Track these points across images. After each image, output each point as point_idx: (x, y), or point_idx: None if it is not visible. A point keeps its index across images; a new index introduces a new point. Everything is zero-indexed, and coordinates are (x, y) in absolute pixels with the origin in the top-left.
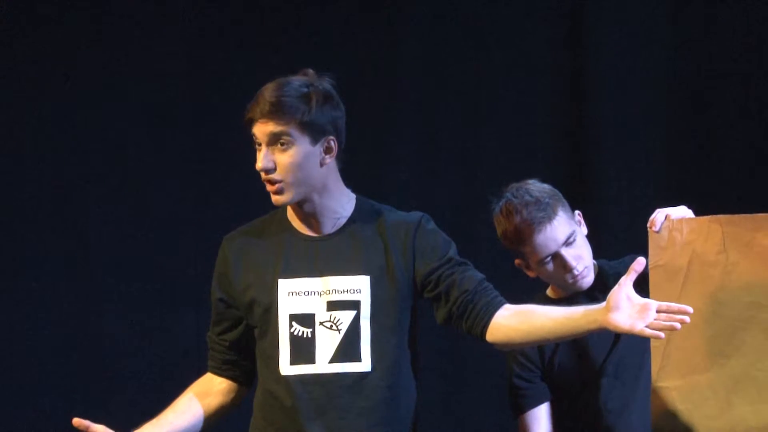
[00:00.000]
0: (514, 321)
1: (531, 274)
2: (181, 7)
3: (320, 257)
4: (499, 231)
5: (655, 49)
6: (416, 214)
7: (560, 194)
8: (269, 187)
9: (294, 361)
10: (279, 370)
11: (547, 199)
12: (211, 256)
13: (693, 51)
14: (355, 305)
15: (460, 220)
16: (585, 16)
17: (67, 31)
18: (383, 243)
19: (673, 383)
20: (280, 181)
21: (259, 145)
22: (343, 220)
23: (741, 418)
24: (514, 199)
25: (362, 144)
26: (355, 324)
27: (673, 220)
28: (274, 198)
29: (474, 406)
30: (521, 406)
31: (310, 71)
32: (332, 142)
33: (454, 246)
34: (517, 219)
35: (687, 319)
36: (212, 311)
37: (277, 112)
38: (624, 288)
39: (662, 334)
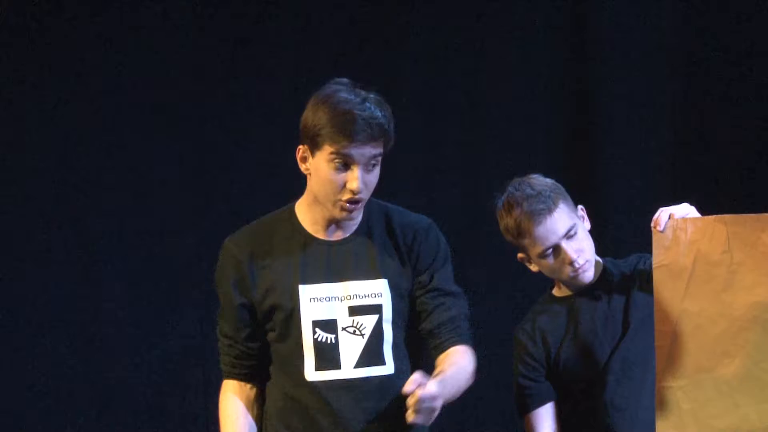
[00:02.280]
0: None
1: (533, 268)
2: (182, 7)
3: (337, 262)
4: (501, 225)
5: (659, 46)
6: (423, 220)
7: (563, 188)
8: (350, 207)
9: (319, 367)
10: (304, 376)
11: (548, 192)
12: (213, 256)
13: (697, 47)
14: (377, 309)
15: (462, 221)
16: (587, 13)
17: (69, 29)
18: (394, 245)
19: (677, 383)
20: (362, 200)
21: (344, 164)
22: (356, 224)
23: (746, 418)
24: (515, 192)
25: None
26: (378, 328)
27: (677, 220)
28: (349, 215)
29: (480, 404)
30: (527, 405)
31: (346, 80)
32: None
33: (449, 264)
34: (518, 211)
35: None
36: (231, 317)
37: (382, 135)
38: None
39: None
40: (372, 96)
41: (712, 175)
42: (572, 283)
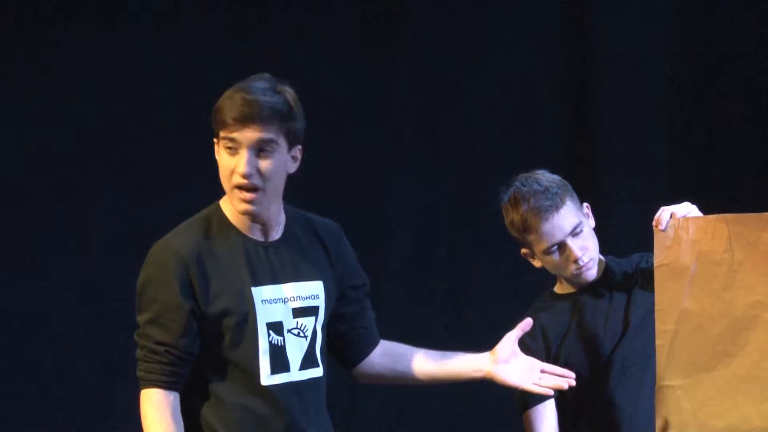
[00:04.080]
0: (388, 361)
1: (536, 264)
2: (183, 7)
3: (277, 264)
4: (506, 220)
5: (659, 45)
6: (335, 223)
7: (569, 185)
8: (245, 195)
9: (273, 370)
10: (259, 381)
11: (555, 189)
12: None
13: (697, 46)
14: (315, 311)
15: (462, 219)
16: (587, 14)
17: (69, 28)
18: (322, 248)
19: (677, 382)
20: (259, 188)
21: (233, 148)
22: (282, 226)
23: (745, 418)
24: (522, 188)
25: (364, 145)
26: (315, 329)
27: (678, 219)
28: (245, 206)
29: (478, 401)
30: (526, 402)
31: (267, 75)
32: (298, 152)
33: None
34: (525, 207)
35: (572, 381)
36: (173, 323)
37: (270, 117)
38: (510, 344)
39: (552, 391)
40: (279, 86)
41: (713, 174)
42: (575, 280)
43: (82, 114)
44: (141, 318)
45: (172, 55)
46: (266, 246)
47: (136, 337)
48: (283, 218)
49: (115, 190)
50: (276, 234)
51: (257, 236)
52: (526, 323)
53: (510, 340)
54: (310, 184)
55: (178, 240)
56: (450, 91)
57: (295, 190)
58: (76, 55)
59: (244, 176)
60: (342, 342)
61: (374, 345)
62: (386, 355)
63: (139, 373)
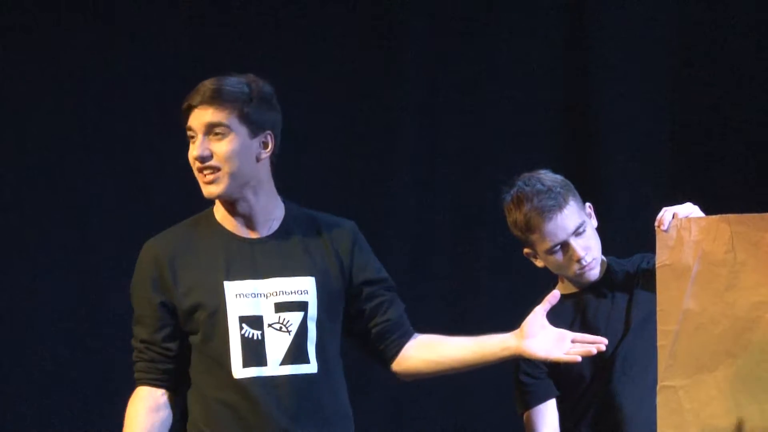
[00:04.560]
0: (422, 352)
1: (539, 264)
2: (184, 7)
3: (261, 259)
4: (509, 219)
5: (659, 45)
6: (350, 221)
7: (572, 185)
8: (205, 177)
9: (246, 363)
10: (231, 374)
11: (558, 189)
12: None
13: (697, 45)
14: (302, 306)
15: (462, 221)
16: (586, 13)
17: (70, 27)
18: (323, 245)
19: (679, 382)
20: (217, 170)
21: (193, 137)
22: (277, 223)
23: (747, 418)
24: (525, 188)
25: (364, 145)
26: (303, 325)
27: (681, 219)
28: (209, 189)
29: (479, 401)
30: (527, 402)
31: (251, 75)
32: (269, 137)
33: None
34: (528, 207)
35: (602, 347)
36: (148, 318)
37: (217, 98)
38: (538, 317)
39: (579, 358)
40: (249, 79)
41: (715, 175)
42: (578, 280)
43: (82, 114)
44: (133, 321)
45: (173, 55)
46: (252, 242)
47: (132, 342)
48: (279, 214)
49: (115, 191)
50: (267, 230)
51: (243, 233)
52: (553, 296)
53: (537, 314)
54: (309, 186)
55: (157, 239)
56: (449, 92)
57: (295, 192)
58: (76, 55)
59: (197, 159)
60: (371, 339)
61: (406, 337)
62: (421, 347)
63: (134, 375)
